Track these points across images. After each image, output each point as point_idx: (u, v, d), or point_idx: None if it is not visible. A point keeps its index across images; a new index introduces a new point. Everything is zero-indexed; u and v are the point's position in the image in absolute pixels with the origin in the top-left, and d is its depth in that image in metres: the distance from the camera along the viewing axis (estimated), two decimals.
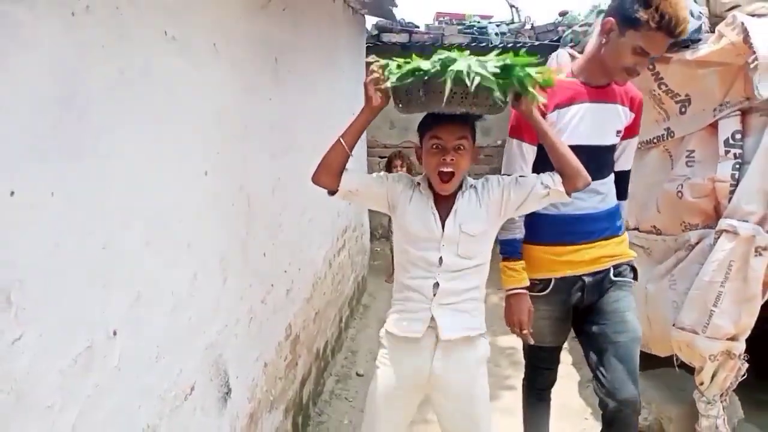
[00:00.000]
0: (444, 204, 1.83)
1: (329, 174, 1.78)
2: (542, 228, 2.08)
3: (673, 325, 2.51)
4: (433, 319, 1.80)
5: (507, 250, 2.10)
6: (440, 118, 1.73)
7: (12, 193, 1.00)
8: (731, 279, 2.32)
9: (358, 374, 3.66)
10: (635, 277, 2.17)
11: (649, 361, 2.91)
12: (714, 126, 2.39)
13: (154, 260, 1.48)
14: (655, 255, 2.76)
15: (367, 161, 5.84)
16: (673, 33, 1.80)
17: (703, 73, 2.35)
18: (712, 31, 2.37)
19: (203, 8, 1.73)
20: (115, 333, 1.31)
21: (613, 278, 2.10)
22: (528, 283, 2.09)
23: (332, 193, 1.82)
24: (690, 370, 2.58)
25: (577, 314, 2.18)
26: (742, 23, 2.19)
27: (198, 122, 1.72)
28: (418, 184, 1.87)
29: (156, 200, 1.49)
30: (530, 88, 1.64)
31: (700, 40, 2.37)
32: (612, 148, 2.08)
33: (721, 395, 2.52)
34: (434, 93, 1.57)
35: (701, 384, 2.52)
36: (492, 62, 1.56)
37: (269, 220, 2.39)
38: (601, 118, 2.00)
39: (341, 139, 1.77)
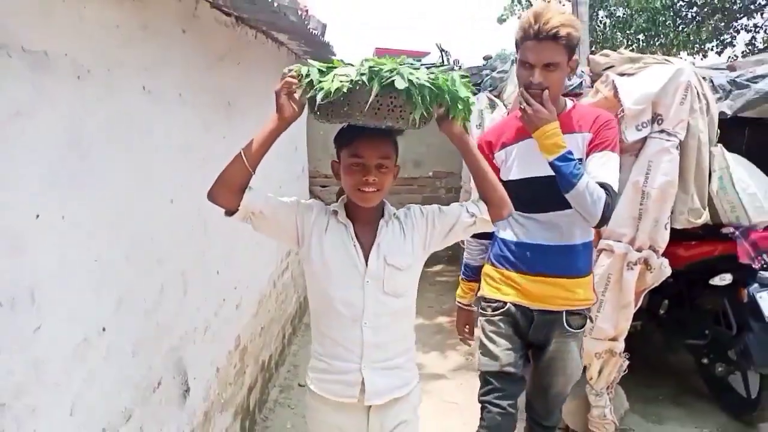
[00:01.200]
0: (365, 235, 1.70)
1: (227, 191, 1.57)
2: (499, 251, 2.22)
3: None
4: (363, 381, 1.69)
5: (462, 271, 2.46)
6: (361, 133, 1.57)
7: (37, 216, 1.34)
8: (610, 289, 2.82)
9: (300, 385, 3.98)
10: (586, 322, 2.27)
11: None
12: None
13: (132, 272, 1.81)
14: None
15: (309, 191, 6.22)
16: (529, 33, 1.93)
17: None
18: (592, 86, 2.91)
19: (172, 65, 2.10)
20: (104, 329, 1.63)
21: (566, 326, 2.16)
22: (468, 301, 2.47)
23: (230, 213, 1.61)
24: (583, 368, 3.04)
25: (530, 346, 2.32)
26: (613, 81, 2.73)
27: (166, 157, 2.07)
28: (335, 212, 1.72)
29: (134, 222, 1.82)
30: (460, 107, 1.55)
31: (581, 94, 2.90)
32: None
33: (607, 388, 3.00)
34: (359, 103, 1.42)
35: (591, 379, 2.99)
36: (423, 74, 1.46)
37: (222, 242, 2.73)
38: None
39: (242, 152, 1.55)
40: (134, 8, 1.79)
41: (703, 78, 2.94)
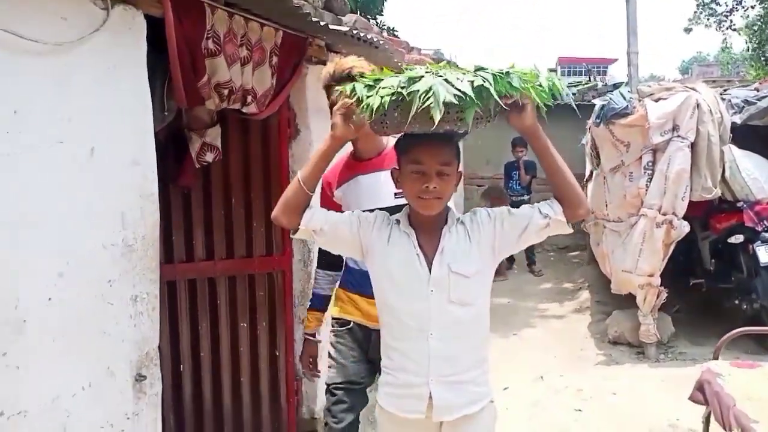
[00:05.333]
0: (429, 242, 1.65)
1: (287, 212, 1.62)
2: (347, 277, 2.25)
3: (622, 270, 4.46)
4: (431, 395, 1.62)
5: (310, 301, 2.40)
6: (420, 140, 1.55)
7: None
8: (646, 240, 4.25)
9: None
10: None
11: (623, 302, 4.83)
12: (640, 158, 4.36)
13: None
14: (621, 234, 4.69)
15: (464, 190, 8.03)
16: (336, 77, 2.01)
17: (633, 130, 4.34)
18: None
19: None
20: None
21: None
22: (313, 331, 2.37)
23: (294, 231, 1.65)
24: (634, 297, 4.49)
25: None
26: (645, 104, 4.19)
27: None
28: (398, 221, 1.69)
29: None
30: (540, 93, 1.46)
31: (630, 113, 4.35)
32: (397, 209, 1.88)
33: (651, 311, 4.40)
34: (409, 112, 1.40)
35: (639, 304, 4.42)
36: (467, 78, 1.41)
37: None
38: (374, 185, 2.08)
39: (299, 177, 1.60)
40: None
41: (722, 98, 4.26)
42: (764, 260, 4.07)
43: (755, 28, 14.72)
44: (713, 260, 4.75)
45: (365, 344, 2.22)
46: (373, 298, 1.99)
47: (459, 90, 1.36)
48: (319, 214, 1.65)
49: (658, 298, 4.39)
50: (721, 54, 19.79)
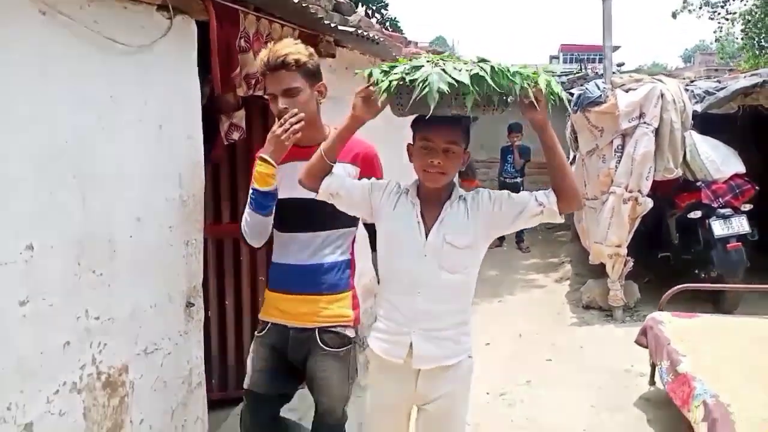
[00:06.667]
0: (431, 213, 1.82)
1: (310, 178, 1.85)
2: (272, 274, 2.28)
3: (594, 242, 5.01)
4: (412, 345, 1.80)
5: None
6: (431, 119, 1.64)
7: None
8: (614, 215, 4.80)
9: None
10: (350, 341, 2.15)
11: (600, 273, 5.37)
12: (611, 142, 4.89)
13: None
14: (596, 210, 5.23)
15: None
16: (263, 67, 2.07)
17: (606, 117, 4.86)
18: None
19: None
20: None
21: (320, 344, 2.11)
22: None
23: (316, 193, 1.87)
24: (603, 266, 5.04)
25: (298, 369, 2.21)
26: (615, 94, 4.71)
27: None
28: (407, 191, 1.87)
29: None
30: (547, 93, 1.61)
31: (603, 102, 4.87)
32: (323, 204, 1.94)
33: (619, 278, 4.95)
34: (412, 96, 1.56)
35: (608, 272, 4.97)
36: (466, 69, 1.56)
37: None
38: None
39: (322, 149, 1.82)
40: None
41: (686, 89, 4.79)
42: (718, 233, 4.63)
43: (748, 18, 15.08)
44: (678, 234, 5.30)
45: (283, 345, 2.18)
46: (296, 293, 2.14)
47: (454, 79, 1.53)
48: (337, 180, 1.86)
49: (625, 266, 4.94)
50: (717, 44, 20.18)
